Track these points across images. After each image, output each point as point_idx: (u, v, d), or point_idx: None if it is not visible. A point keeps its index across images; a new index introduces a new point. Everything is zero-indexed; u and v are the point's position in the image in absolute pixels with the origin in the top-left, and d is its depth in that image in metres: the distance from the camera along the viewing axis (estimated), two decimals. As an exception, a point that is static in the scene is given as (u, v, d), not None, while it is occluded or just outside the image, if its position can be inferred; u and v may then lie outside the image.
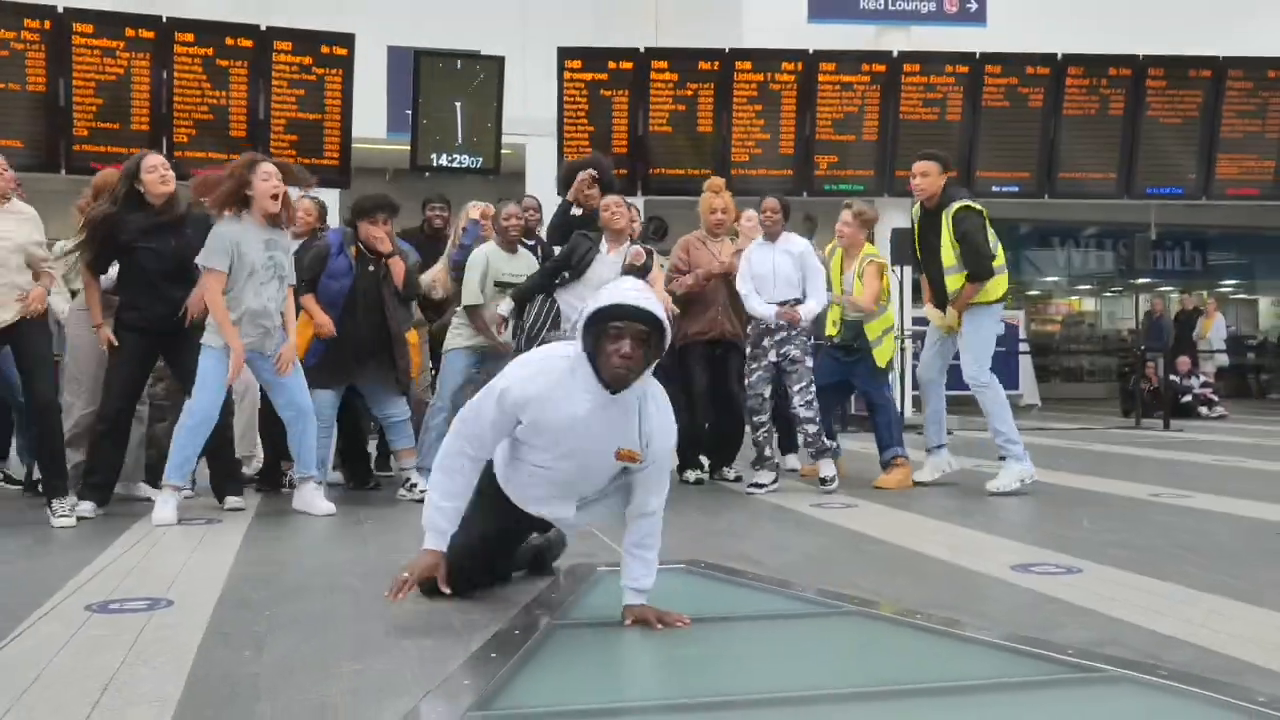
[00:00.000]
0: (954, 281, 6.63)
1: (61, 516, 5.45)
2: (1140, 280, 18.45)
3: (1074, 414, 15.57)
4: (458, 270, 6.77)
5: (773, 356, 6.64)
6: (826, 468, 6.71)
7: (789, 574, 4.22)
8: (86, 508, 5.65)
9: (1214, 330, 17.93)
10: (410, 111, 15.41)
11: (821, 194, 13.42)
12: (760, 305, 6.67)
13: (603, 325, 3.23)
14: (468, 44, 14.53)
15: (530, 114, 14.55)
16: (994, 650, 3.14)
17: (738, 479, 7.22)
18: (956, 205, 6.55)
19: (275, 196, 5.67)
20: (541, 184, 13.24)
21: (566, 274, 6.43)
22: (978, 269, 6.53)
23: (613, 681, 3.07)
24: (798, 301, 6.67)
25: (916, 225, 6.88)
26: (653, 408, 3.38)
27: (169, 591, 3.89)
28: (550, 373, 3.37)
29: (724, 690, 2.85)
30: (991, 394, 6.60)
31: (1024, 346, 16.64)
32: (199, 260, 5.63)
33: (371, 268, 6.46)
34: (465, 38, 14.70)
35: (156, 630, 3.33)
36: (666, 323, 3.30)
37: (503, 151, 13.60)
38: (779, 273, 6.64)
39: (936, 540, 5.00)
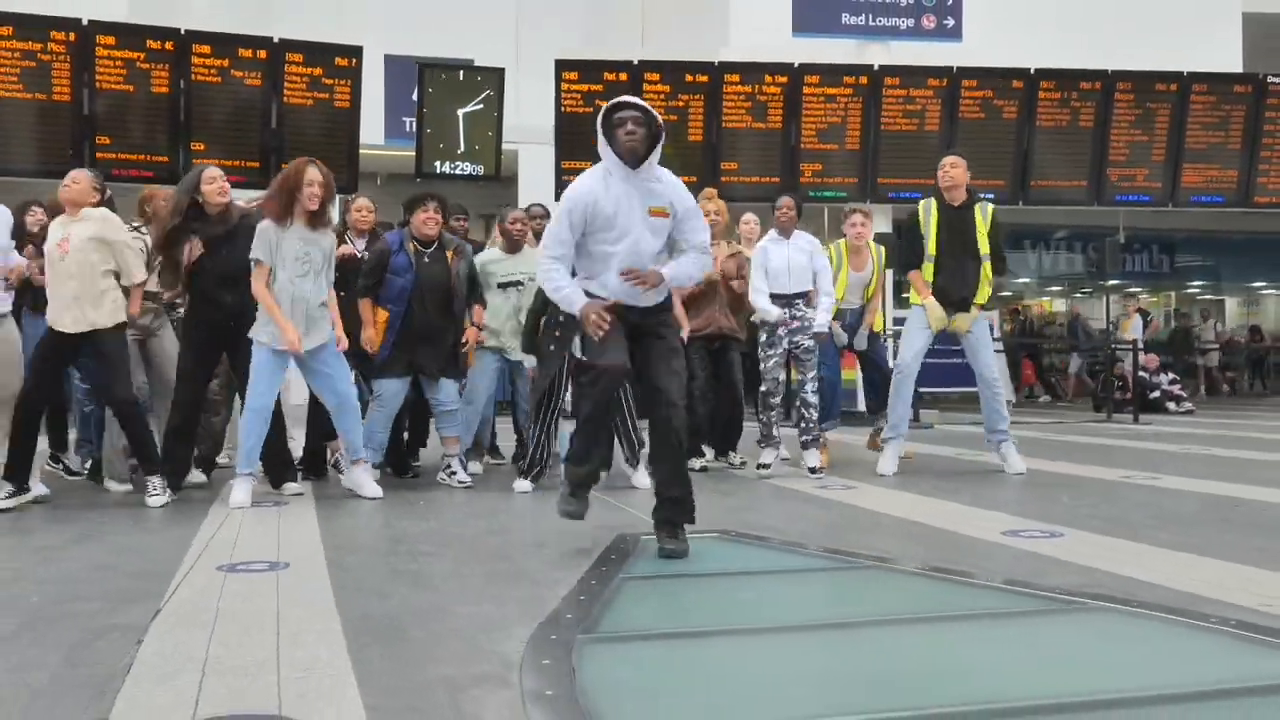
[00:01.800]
0: (985, 271, 7.27)
1: (154, 495, 6.03)
2: (1111, 282, 19.29)
3: (1047, 409, 16.33)
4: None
5: (786, 344, 7.27)
6: (813, 458, 7.31)
7: (808, 541, 4.86)
8: (155, 489, 6.16)
9: (1132, 329, 18.45)
10: (409, 119, 16.11)
11: (806, 200, 14.00)
12: (766, 305, 7.27)
13: (610, 120, 4.44)
14: (463, 54, 15.19)
15: (523, 121, 15.20)
16: (995, 591, 3.81)
17: (742, 464, 7.85)
18: (991, 205, 7.25)
19: (316, 197, 6.20)
20: (534, 189, 13.85)
21: None
22: (1003, 266, 7.33)
23: (683, 616, 3.69)
24: (802, 299, 7.29)
25: (936, 220, 7.31)
26: (665, 179, 4.56)
27: (279, 557, 4.48)
28: (588, 176, 4.52)
29: (773, 620, 3.50)
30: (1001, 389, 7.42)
31: (999, 346, 17.36)
32: (252, 254, 6.19)
33: (427, 259, 6.98)
34: (460, 48, 15.36)
35: (289, 585, 3.93)
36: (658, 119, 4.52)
37: (498, 158, 14.16)
38: (793, 267, 7.26)
39: (933, 512, 5.65)
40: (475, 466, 7.48)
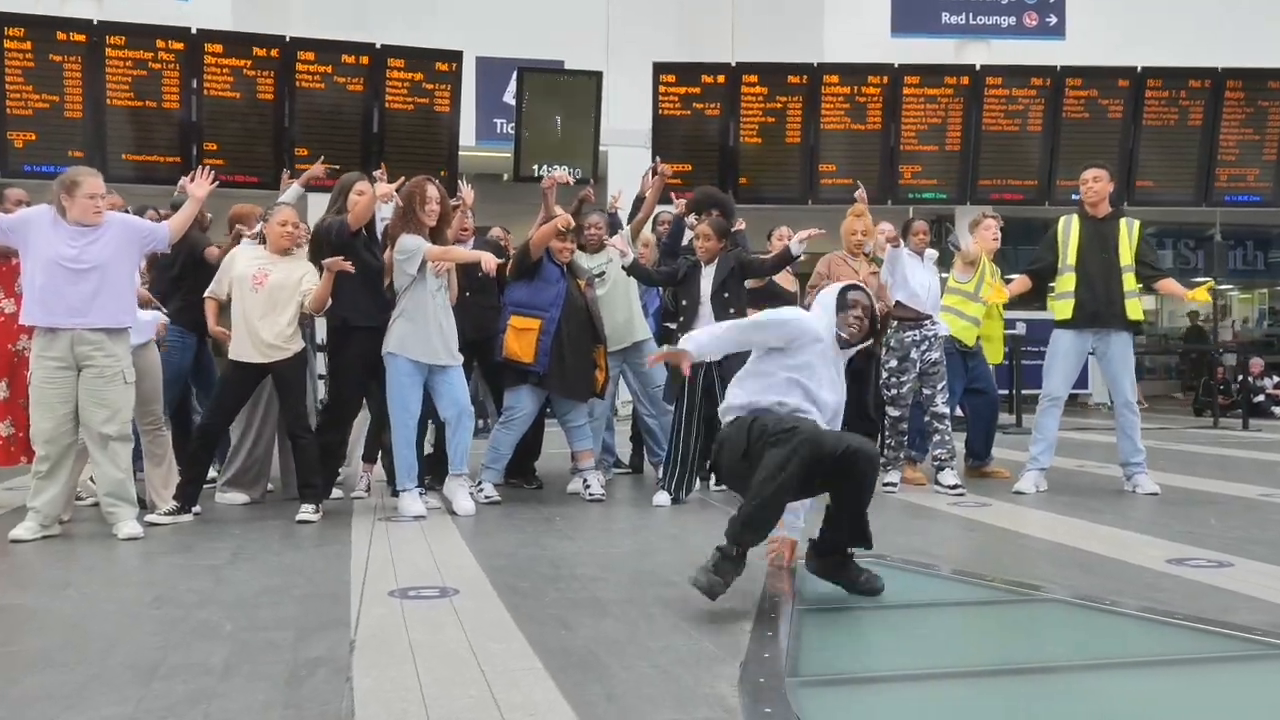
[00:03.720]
0: (1128, 282, 7.11)
1: (304, 514, 6.12)
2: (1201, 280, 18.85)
3: (1146, 415, 16.00)
4: None
5: (920, 366, 7.21)
6: (949, 476, 7.22)
7: (966, 566, 4.80)
8: (308, 509, 6.25)
9: None
10: (501, 120, 16.20)
11: (905, 202, 13.97)
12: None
13: (843, 298, 4.41)
14: (554, 56, 15.21)
15: (613, 124, 15.17)
16: (1192, 631, 3.72)
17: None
18: (1138, 220, 7.15)
19: (433, 214, 6.29)
20: (629, 191, 13.78)
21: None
22: (1162, 270, 7.21)
23: (879, 656, 3.64)
24: (929, 319, 7.23)
25: (1078, 232, 7.19)
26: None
27: (444, 582, 4.49)
28: (815, 320, 4.43)
29: (975, 662, 3.46)
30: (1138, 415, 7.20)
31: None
32: (406, 261, 6.26)
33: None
34: (550, 49, 15.36)
35: (470, 615, 3.94)
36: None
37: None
38: (930, 289, 7.29)
39: (1083, 535, 5.55)
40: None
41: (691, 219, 7.39)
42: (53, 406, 5.50)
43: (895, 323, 7.26)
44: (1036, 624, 4.05)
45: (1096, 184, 7.17)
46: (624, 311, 7.53)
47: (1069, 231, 7.24)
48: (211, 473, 6.80)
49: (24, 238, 5.53)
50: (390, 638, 3.62)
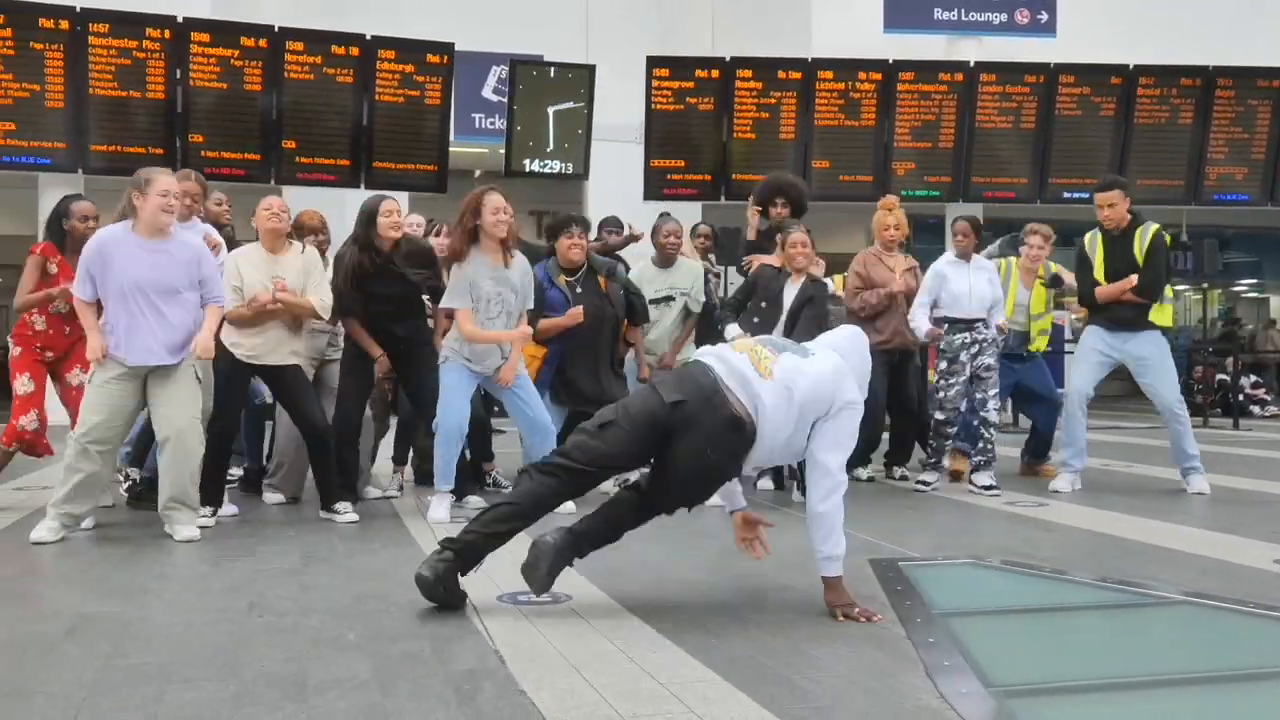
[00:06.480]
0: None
1: (345, 514, 5.88)
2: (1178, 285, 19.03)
3: (1118, 412, 16.09)
4: None
5: (970, 370, 7.06)
6: (985, 477, 7.07)
7: (1066, 566, 4.66)
8: (345, 506, 6.00)
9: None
10: (479, 115, 15.96)
11: (899, 199, 13.85)
12: (922, 321, 7.08)
13: None
14: (533, 51, 14.93)
15: (597, 120, 14.93)
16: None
17: (902, 478, 7.66)
18: (1154, 226, 7.00)
19: (501, 224, 5.83)
20: (605, 187, 13.68)
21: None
22: (1155, 289, 6.96)
23: (1054, 664, 3.46)
24: (981, 322, 7.08)
25: (1101, 248, 7.10)
26: None
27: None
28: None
29: (1155, 670, 3.33)
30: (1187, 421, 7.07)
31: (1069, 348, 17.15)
32: (444, 304, 6.01)
33: (579, 289, 6.69)
34: (531, 44, 15.08)
35: (602, 620, 3.74)
36: None
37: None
38: (975, 291, 7.08)
39: (1167, 534, 5.45)
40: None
41: (753, 213, 7.20)
42: (110, 404, 5.23)
43: (945, 325, 7.11)
44: (1185, 629, 3.91)
45: (1113, 210, 7.01)
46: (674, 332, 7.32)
47: (1094, 249, 7.14)
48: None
49: (102, 267, 5.25)
50: (534, 647, 3.40)
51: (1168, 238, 7.10)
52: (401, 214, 6.34)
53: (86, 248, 5.35)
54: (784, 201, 7.40)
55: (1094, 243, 7.15)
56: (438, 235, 7.02)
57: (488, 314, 5.89)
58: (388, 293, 6.23)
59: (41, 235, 6.30)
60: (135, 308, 5.22)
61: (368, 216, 6.19)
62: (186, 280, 5.36)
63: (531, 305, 6.19)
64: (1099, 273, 7.09)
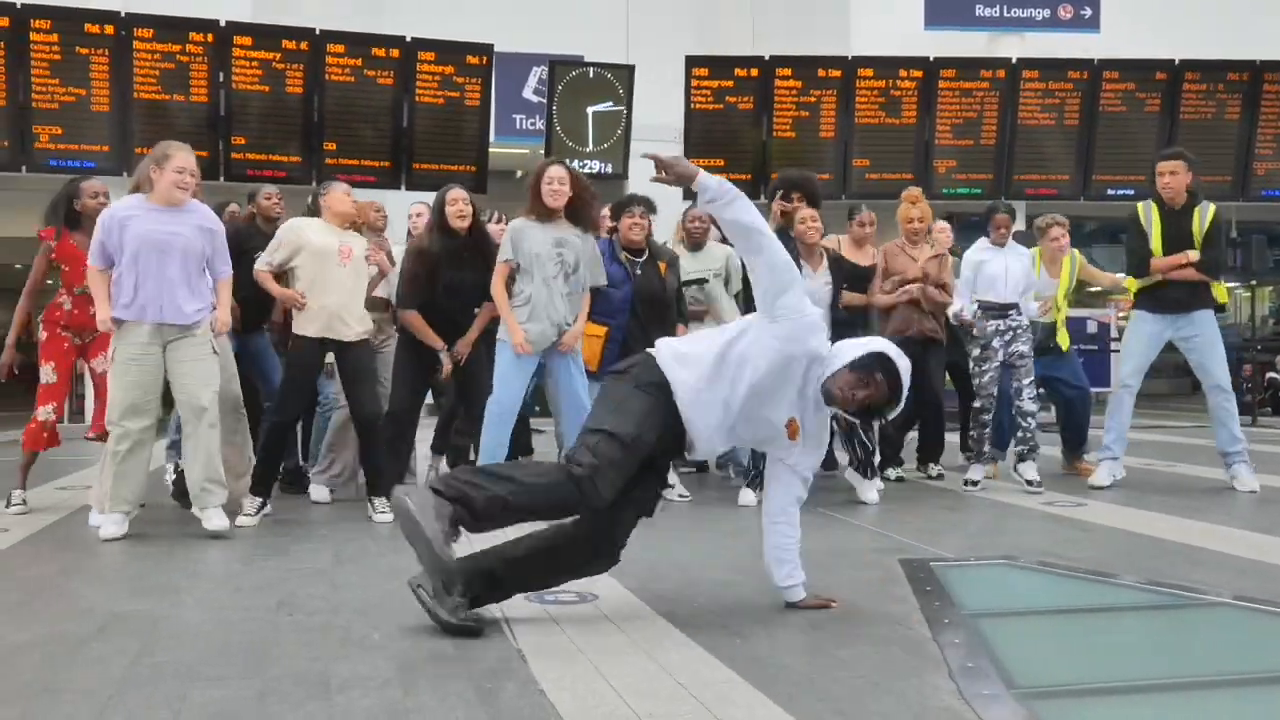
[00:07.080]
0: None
1: (381, 513, 5.90)
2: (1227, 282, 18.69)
3: (1162, 411, 15.88)
4: None
5: (1002, 356, 7.00)
6: (1030, 470, 7.02)
7: (1102, 567, 4.60)
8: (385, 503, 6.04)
9: None
10: (520, 116, 16.00)
11: (940, 197, 13.75)
12: (960, 301, 7.08)
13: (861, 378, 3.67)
14: (573, 51, 14.94)
15: (636, 119, 14.90)
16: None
17: (939, 476, 7.60)
18: (1214, 205, 6.93)
19: (556, 194, 6.00)
20: (649, 187, 13.56)
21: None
22: (1219, 266, 6.98)
23: (1089, 665, 3.43)
24: (1015, 309, 7.03)
25: (1158, 223, 7.00)
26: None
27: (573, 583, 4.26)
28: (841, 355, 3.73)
29: (1195, 671, 3.28)
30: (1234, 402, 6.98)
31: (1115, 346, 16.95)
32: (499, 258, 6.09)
33: (640, 270, 6.67)
34: (571, 45, 15.09)
35: (625, 620, 3.74)
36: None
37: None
38: (1011, 275, 7.03)
39: (1205, 535, 5.37)
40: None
41: (777, 207, 7.16)
42: (133, 379, 5.33)
43: (979, 310, 7.05)
44: (1231, 633, 3.84)
45: (1174, 178, 6.94)
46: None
47: (1150, 220, 7.04)
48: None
49: (119, 231, 5.34)
50: (556, 646, 3.41)
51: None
52: (466, 203, 6.34)
53: (101, 217, 5.46)
54: (799, 196, 7.37)
55: (1149, 213, 7.06)
56: (498, 223, 7.05)
57: (546, 273, 6.00)
58: (459, 281, 6.27)
59: (45, 222, 6.34)
60: (147, 266, 5.30)
61: (439, 205, 6.29)
62: (199, 244, 5.46)
63: (602, 281, 6.30)
64: (1156, 247, 7.00)
